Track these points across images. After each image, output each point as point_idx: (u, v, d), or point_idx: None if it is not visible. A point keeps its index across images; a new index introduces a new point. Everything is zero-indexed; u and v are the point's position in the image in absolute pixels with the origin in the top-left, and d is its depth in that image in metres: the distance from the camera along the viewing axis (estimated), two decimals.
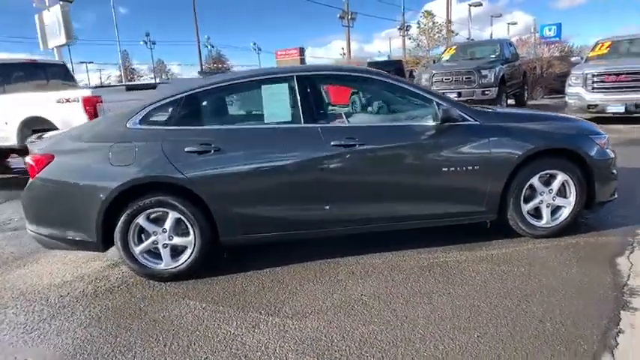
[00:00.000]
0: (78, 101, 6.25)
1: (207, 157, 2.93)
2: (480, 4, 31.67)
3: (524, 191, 3.22)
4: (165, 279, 3.05)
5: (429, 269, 2.97)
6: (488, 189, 3.15)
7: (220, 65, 62.12)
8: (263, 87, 3.14)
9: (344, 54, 35.95)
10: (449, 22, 25.66)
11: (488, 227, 3.41)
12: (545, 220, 3.29)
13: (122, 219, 2.92)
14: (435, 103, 3.12)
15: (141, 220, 2.96)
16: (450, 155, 3.09)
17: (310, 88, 3.09)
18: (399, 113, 3.28)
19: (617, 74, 7.89)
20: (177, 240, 3.02)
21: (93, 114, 6.23)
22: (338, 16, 25.16)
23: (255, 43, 61.61)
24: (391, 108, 3.36)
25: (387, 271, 2.99)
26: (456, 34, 27.44)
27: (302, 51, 51.46)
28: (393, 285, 2.79)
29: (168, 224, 2.98)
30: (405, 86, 3.24)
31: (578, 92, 8.40)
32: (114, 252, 3.40)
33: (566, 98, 8.71)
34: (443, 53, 12.65)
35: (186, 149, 2.93)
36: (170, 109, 3.09)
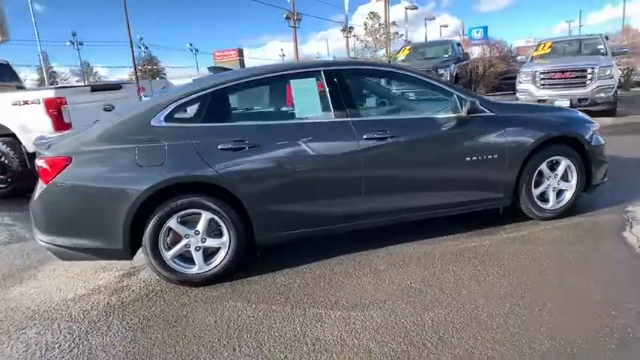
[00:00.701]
0: (39, 103, 5.72)
1: (242, 155, 2.84)
2: (416, 7, 33.13)
3: (534, 177, 3.46)
4: (197, 284, 2.91)
5: (461, 254, 3.10)
6: (505, 176, 3.35)
7: (153, 67, 59.54)
8: (291, 82, 3.10)
9: (283, 55, 35.90)
10: (392, 23, 26.84)
11: (501, 213, 3.62)
12: (551, 203, 3.56)
13: (152, 223, 2.74)
14: (455, 96, 3.27)
15: (172, 223, 2.79)
16: (473, 145, 3.24)
17: (339, 82, 3.09)
18: (424, 106, 3.38)
19: (562, 72, 8.68)
20: (210, 242, 2.89)
21: (57, 117, 5.75)
22: (284, 16, 25.16)
23: (191, 44, 59.86)
24: (416, 101, 3.45)
25: (422, 259, 3.08)
26: (401, 36, 28.60)
27: (241, 52, 50.51)
28: (435, 271, 2.88)
29: (201, 226, 2.84)
30: (429, 80, 3.35)
31: (528, 88, 9.11)
32: (123, 262, 3.22)
33: (517, 94, 9.41)
34: (398, 53, 13.15)
35: (219, 147, 2.81)
36: (197, 106, 2.96)
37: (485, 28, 33.98)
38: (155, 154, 2.74)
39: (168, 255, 2.84)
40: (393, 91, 3.52)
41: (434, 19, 48.61)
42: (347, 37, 31.72)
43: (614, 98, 8.52)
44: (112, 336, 2.41)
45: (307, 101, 3.06)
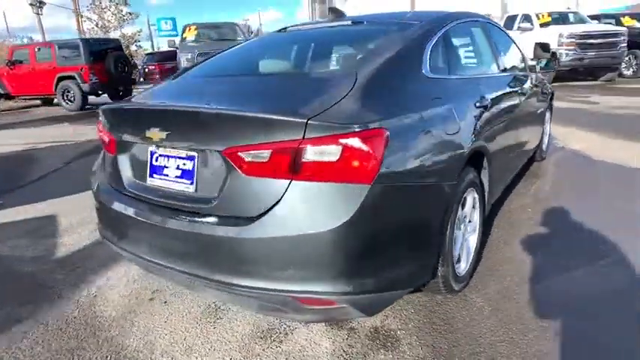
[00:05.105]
0: None
1: (488, 113, 2.32)
2: None
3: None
4: (463, 287, 2.23)
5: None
6: (541, 128, 4.01)
7: None
8: (474, 30, 2.66)
9: None
10: (117, 3, 22.97)
11: None
12: (544, 146, 4.49)
13: (453, 216, 1.92)
14: (522, 54, 3.63)
15: (459, 212, 2.04)
16: (539, 97, 3.73)
17: (489, 34, 2.90)
18: (514, 63, 3.50)
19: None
20: (469, 229, 2.27)
21: None
22: None
23: None
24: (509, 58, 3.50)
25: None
26: (138, 16, 24.87)
27: None
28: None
29: (468, 210, 2.20)
30: (512, 40, 3.52)
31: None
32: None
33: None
34: (184, 34, 11.76)
35: (477, 104, 2.21)
36: (439, 49, 2.16)
37: (173, 19, 34.16)
38: (451, 118, 1.90)
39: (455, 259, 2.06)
40: None
41: (127, 4, 45.10)
42: (37, 14, 25.10)
43: None
44: None
45: (486, 52, 2.74)
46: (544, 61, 3.72)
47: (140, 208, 1.78)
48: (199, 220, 1.58)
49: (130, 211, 1.81)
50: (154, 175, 1.79)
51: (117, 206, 1.88)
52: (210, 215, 1.57)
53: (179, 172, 1.70)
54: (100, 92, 12.21)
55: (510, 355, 1.77)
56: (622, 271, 2.34)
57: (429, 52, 2.01)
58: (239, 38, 11.67)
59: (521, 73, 3.33)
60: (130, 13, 22.88)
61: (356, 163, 1.41)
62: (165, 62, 19.83)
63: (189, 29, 11.74)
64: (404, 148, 1.59)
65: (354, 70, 1.71)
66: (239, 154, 1.47)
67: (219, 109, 1.55)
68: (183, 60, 10.37)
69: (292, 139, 1.40)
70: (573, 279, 2.29)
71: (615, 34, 10.89)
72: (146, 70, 20.23)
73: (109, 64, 11.53)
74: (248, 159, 1.46)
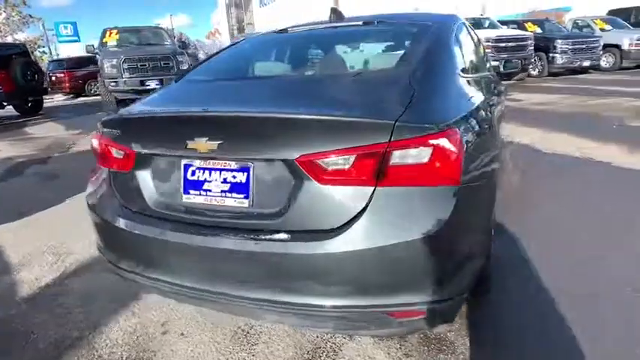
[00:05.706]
0: None
1: (494, 111, 2.40)
2: None
3: None
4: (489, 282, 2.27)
5: None
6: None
7: None
8: (464, 31, 2.71)
9: None
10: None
11: None
12: None
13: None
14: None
15: None
16: (505, 95, 3.96)
17: (471, 36, 3.00)
18: (488, 63, 3.64)
19: None
20: None
21: None
22: None
23: None
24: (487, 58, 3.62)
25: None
26: (35, 20, 21.88)
27: None
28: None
29: None
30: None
31: None
32: None
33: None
34: (104, 38, 10.70)
35: (490, 103, 2.26)
36: (457, 50, 2.16)
37: (74, 24, 31.57)
38: (487, 116, 1.94)
39: None
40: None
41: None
42: None
43: None
44: None
45: (477, 53, 2.82)
46: (503, 62, 3.96)
47: (175, 230, 1.55)
48: (265, 237, 1.40)
49: (161, 235, 1.57)
50: (191, 192, 1.57)
51: (139, 229, 1.62)
52: (279, 231, 1.40)
53: (227, 187, 1.50)
54: (5, 104, 10.79)
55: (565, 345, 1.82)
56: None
57: (454, 52, 2.02)
58: (166, 43, 11.04)
59: (491, 73, 3.51)
60: (30, 16, 20.45)
61: (446, 164, 1.35)
62: (76, 69, 18.14)
63: (110, 33, 10.80)
64: (469, 146, 1.56)
65: (406, 70, 1.65)
66: (316, 161, 1.33)
67: (292, 114, 1.39)
68: (108, 66, 9.51)
69: (379, 142, 1.30)
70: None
71: (524, 39, 12.08)
72: (52, 78, 18.28)
73: (15, 72, 10.21)
74: (326, 167, 1.33)
